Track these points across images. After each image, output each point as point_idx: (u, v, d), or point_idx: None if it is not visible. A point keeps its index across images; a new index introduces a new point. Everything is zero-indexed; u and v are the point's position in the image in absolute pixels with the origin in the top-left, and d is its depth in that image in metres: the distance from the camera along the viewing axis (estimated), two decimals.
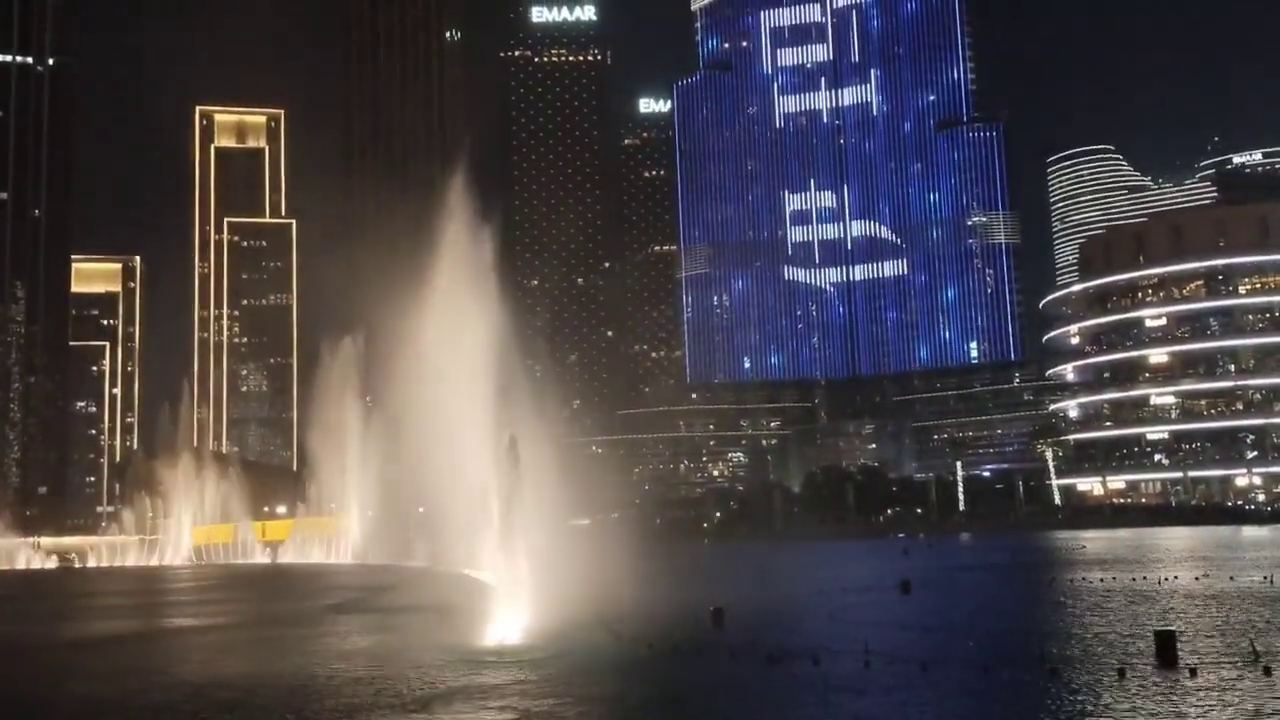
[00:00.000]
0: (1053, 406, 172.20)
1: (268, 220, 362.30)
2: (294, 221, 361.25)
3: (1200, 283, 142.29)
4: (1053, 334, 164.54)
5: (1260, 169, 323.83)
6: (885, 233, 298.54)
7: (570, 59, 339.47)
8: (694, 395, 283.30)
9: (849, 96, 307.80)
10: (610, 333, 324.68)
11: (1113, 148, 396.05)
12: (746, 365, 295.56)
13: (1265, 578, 45.98)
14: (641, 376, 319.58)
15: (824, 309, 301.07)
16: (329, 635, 36.90)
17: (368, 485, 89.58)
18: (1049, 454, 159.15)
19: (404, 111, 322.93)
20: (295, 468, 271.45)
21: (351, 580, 64.54)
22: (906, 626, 33.44)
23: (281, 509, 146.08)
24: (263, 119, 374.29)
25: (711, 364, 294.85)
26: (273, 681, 26.47)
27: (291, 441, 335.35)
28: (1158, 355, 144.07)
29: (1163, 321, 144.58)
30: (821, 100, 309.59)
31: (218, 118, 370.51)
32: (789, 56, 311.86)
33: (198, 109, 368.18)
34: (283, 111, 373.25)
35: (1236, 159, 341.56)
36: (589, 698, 23.49)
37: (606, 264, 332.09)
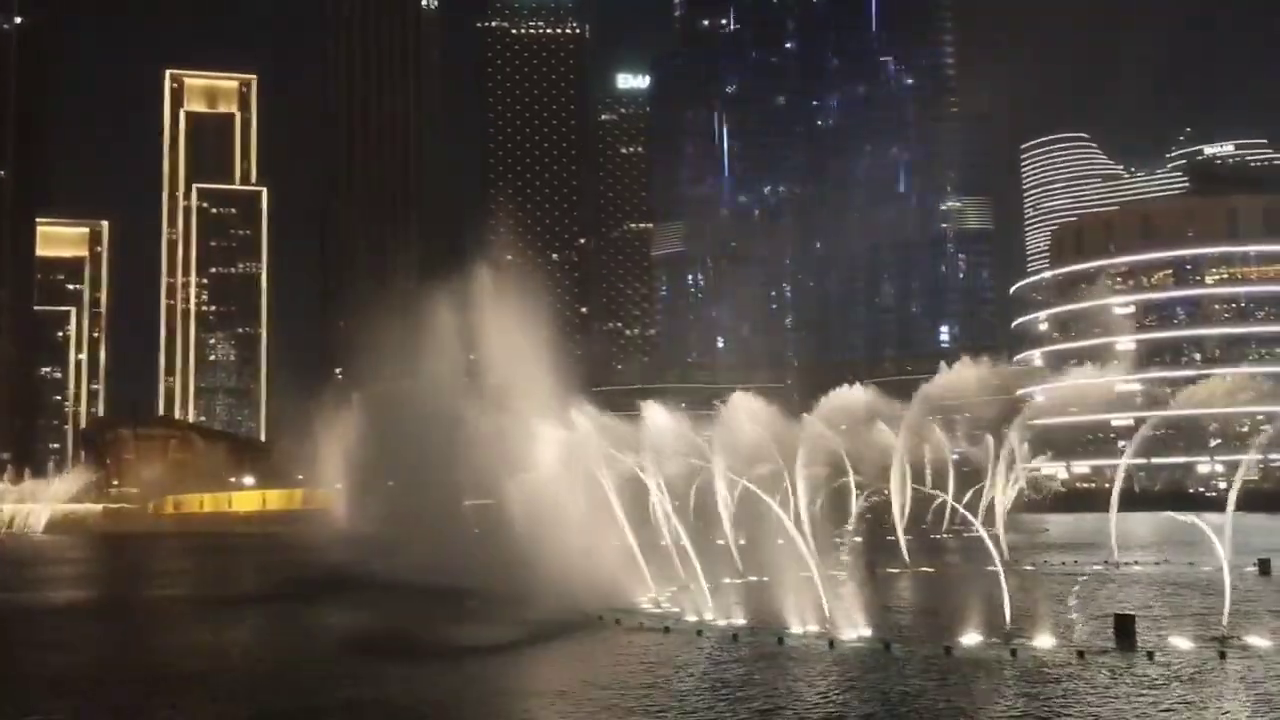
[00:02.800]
0: (1020, 392, 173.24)
1: (238, 187, 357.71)
2: (265, 189, 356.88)
3: (1168, 272, 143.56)
4: (1022, 320, 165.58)
5: (1231, 160, 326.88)
6: (860, 215, 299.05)
7: (548, 31, 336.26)
8: (667, 374, 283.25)
9: (829, 78, 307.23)
10: (584, 309, 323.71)
11: (1086, 136, 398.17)
12: (720, 345, 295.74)
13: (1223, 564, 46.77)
14: (615, 354, 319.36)
15: (798, 290, 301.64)
16: (285, 615, 36.74)
17: (340, 458, 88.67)
18: (1015, 438, 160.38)
19: (379, 81, 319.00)
20: (263, 438, 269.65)
21: (327, 554, 64.09)
22: (869, 607, 33.65)
23: (249, 479, 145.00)
24: (234, 84, 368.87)
25: (685, 342, 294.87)
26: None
27: (259, 412, 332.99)
28: (1125, 343, 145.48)
29: (1131, 310, 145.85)
30: (801, 81, 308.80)
31: (188, 81, 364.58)
32: (770, 36, 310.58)
33: (168, 72, 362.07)
34: (255, 77, 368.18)
35: (1208, 150, 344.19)
36: None
37: (581, 240, 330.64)
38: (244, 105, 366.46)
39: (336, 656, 27.36)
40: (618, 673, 24.17)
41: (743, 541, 50.50)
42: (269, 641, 30.57)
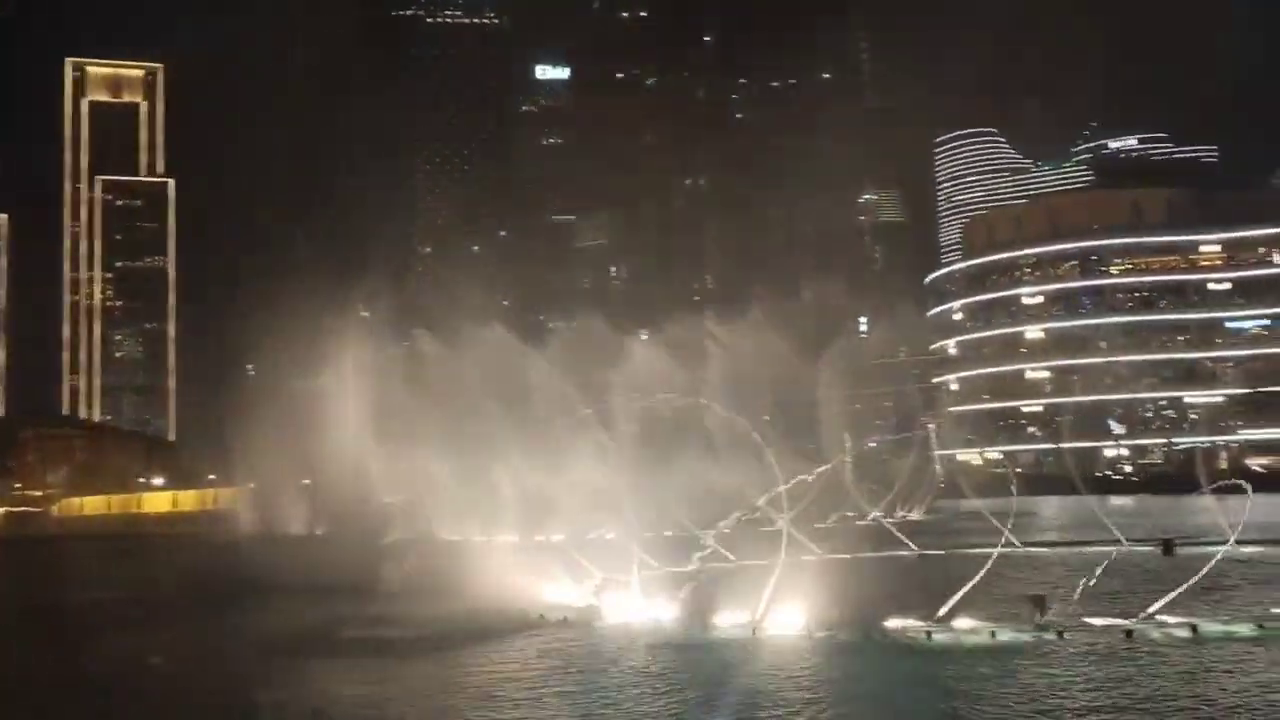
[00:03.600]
0: (935, 380, 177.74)
1: (143, 179, 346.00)
2: (171, 181, 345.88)
3: (1075, 263, 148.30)
4: (937, 310, 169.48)
5: (1134, 154, 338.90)
6: (778, 208, 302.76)
7: (465, 21, 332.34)
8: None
9: (747, 73, 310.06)
10: (506, 302, 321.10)
11: (995, 130, 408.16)
12: (644, 336, 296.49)
13: (1128, 541, 48.62)
14: (539, 347, 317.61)
15: (719, 282, 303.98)
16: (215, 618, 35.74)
17: (251, 457, 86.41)
18: (931, 426, 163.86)
19: (290, 71, 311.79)
20: (172, 437, 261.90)
21: (242, 555, 62.57)
22: (792, 595, 33.98)
23: (158, 480, 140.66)
24: (139, 73, 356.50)
25: (609, 334, 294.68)
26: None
27: (168, 410, 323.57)
28: (1034, 332, 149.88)
29: (1039, 300, 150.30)
30: (720, 74, 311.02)
31: (90, 70, 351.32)
32: (688, 28, 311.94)
33: (69, 60, 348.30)
34: (161, 66, 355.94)
35: (1112, 144, 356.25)
36: None
37: (502, 232, 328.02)
38: (150, 95, 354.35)
39: (254, 658, 26.61)
40: (545, 669, 23.98)
41: (669, 533, 50.64)
42: (182, 646, 29.60)
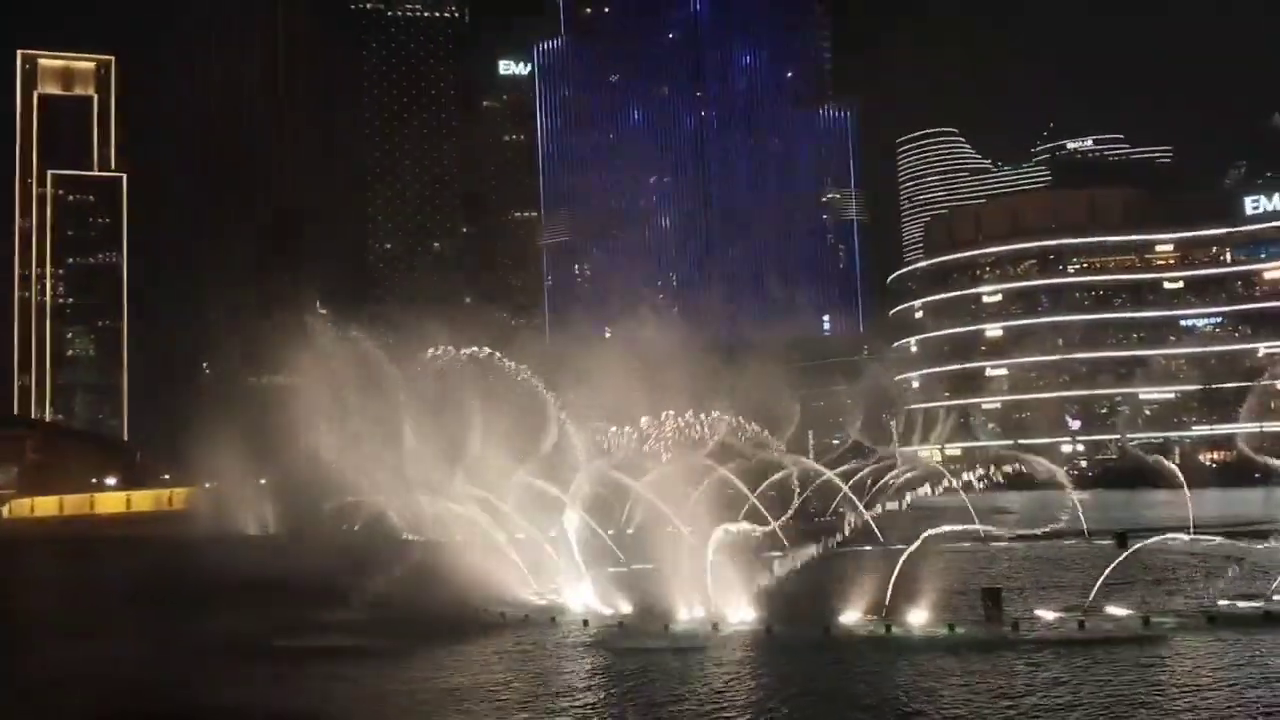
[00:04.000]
0: (897, 378, 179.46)
1: (96, 174, 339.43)
2: (125, 176, 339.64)
3: (1033, 262, 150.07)
4: (899, 309, 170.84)
5: (1091, 155, 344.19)
6: (742, 206, 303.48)
7: (425, 15, 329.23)
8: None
9: (710, 71, 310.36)
10: (468, 299, 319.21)
11: (956, 131, 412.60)
12: (607, 334, 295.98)
13: (1086, 534, 49.28)
14: (500, 345, 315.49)
15: (684, 280, 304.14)
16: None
17: (206, 456, 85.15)
18: (893, 423, 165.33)
19: (245, 64, 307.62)
20: (126, 437, 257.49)
21: (197, 556, 61.53)
22: (751, 590, 33.95)
23: (112, 480, 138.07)
24: (92, 65, 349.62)
25: (573, 332, 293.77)
26: None
27: (122, 409, 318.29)
28: (993, 330, 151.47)
29: (998, 298, 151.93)
30: (683, 71, 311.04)
31: (41, 62, 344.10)
32: (652, 25, 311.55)
33: (19, 52, 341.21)
34: (113, 58, 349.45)
35: (1070, 145, 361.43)
36: None
37: (464, 229, 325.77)
38: (102, 88, 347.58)
39: (208, 660, 26.07)
40: (507, 668, 23.73)
41: (630, 531, 50.54)
42: (136, 648, 28.95)
